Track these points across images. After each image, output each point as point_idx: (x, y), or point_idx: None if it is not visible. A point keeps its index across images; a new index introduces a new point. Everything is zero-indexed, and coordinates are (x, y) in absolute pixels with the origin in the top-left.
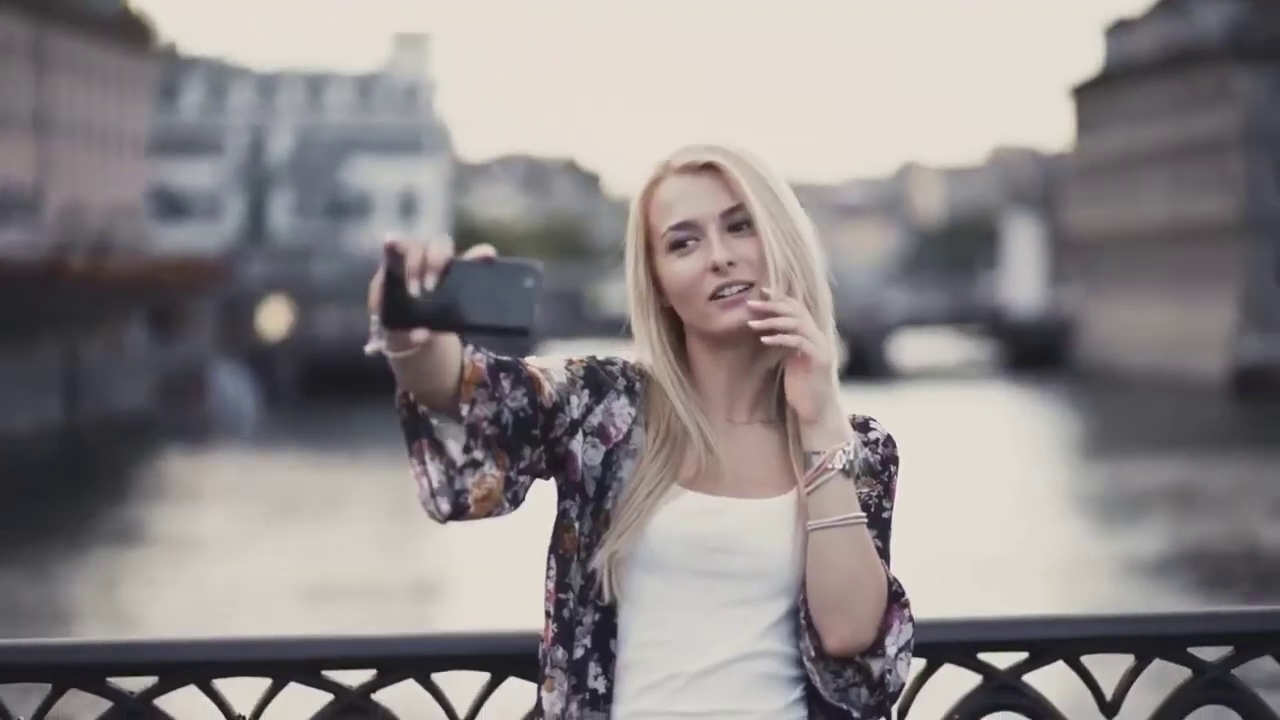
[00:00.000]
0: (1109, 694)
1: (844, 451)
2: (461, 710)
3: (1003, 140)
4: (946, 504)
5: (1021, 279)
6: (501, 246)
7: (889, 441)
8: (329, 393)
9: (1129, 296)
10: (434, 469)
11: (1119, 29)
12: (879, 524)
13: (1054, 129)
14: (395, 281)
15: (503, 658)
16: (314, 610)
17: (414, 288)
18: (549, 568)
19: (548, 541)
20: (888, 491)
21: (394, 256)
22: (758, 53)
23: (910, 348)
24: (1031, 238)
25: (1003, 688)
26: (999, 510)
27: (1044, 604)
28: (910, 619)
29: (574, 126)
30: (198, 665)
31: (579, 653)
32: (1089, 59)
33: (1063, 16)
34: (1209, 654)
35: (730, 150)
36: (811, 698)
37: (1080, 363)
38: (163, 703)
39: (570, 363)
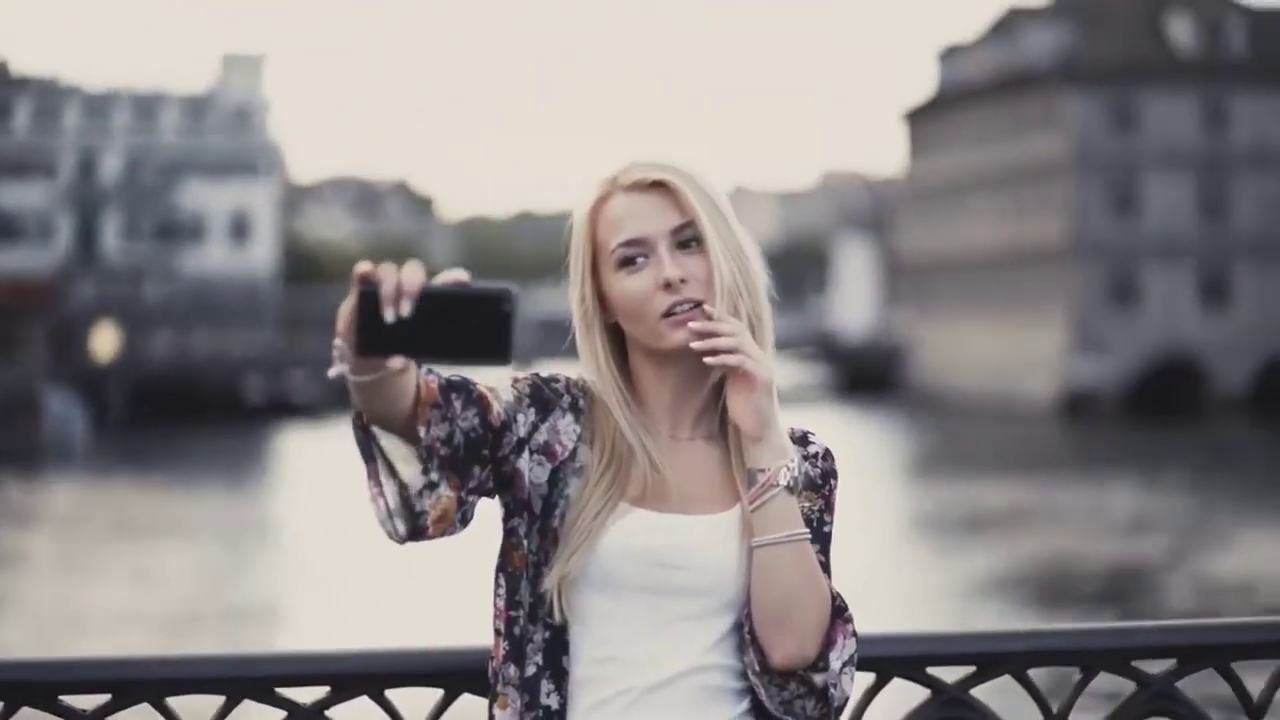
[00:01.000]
0: (1055, 708)
1: (788, 469)
2: None
3: (834, 165)
4: None
5: (854, 303)
6: (332, 269)
7: (828, 455)
8: (159, 416)
9: (961, 320)
10: (390, 490)
11: (952, 54)
12: (820, 538)
13: (886, 154)
14: (368, 308)
15: (456, 674)
16: (153, 634)
17: (389, 314)
18: (497, 585)
19: (495, 560)
20: (828, 505)
21: (367, 283)
22: (588, 78)
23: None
24: (864, 261)
25: (951, 701)
26: (840, 533)
27: (896, 623)
28: (854, 633)
29: (407, 149)
30: (151, 683)
31: (531, 670)
32: (922, 84)
33: (897, 42)
34: (1154, 667)
35: (678, 168)
36: (757, 710)
37: (912, 386)
38: None
39: (515, 381)
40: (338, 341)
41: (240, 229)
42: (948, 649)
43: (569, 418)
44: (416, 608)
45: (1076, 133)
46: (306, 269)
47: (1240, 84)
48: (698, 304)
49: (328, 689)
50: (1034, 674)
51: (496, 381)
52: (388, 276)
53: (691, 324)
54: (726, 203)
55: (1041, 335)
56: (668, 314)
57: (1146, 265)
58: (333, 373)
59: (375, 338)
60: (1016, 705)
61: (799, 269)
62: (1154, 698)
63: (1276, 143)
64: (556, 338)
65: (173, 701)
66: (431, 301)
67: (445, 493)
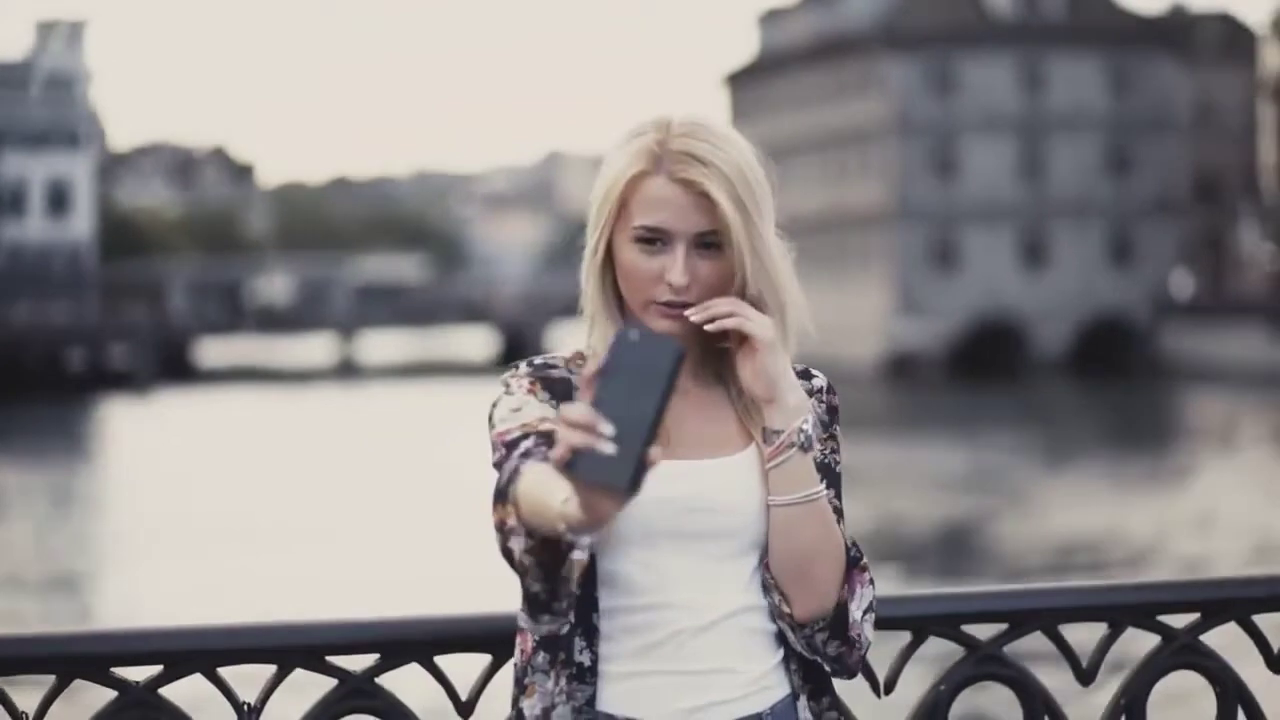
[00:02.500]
0: (1085, 662)
1: (802, 429)
2: (464, 692)
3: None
4: None
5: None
6: (151, 239)
7: (830, 389)
8: None
9: None
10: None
11: (772, 18)
12: (832, 477)
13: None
14: (589, 458)
15: (505, 639)
16: None
17: (608, 446)
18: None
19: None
20: (837, 443)
21: (573, 442)
22: (406, 41)
23: (568, 335)
24: None
25: (986, 658)
26: None
27: None
28: (871, 581)
29: (225, 115)
30: (202, 653)
31: (563, 630)
32: (743, 48)
33: (716, 6)
34: (1178, 621)
35: (726, 165)
36: (789, 655)
37: None
38: (168, 692)
39: (531, 387)
40: (573, 519)
41: (59, 199)
42: (981, 606)
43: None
44: (240, 580)
45: (897, 97)
46: (125, 239)
47: (1057, 47)
48: (686, 305)
49: (377, 656)
50: (1066, 630)
51: (531, 410)
52: (580, 418)
53: (687, 313)
54: (766, 194)
55: (865, 298)
56: (659, 304)
57: (967, 228)
58: (582, 548)
59: (639, 470)
60: (1049, 661)
61: None
62: (1179, 651)
63: (1092, 106)
64: (375, 305)
65: (224, 671)
66: (607, 405)
67: None
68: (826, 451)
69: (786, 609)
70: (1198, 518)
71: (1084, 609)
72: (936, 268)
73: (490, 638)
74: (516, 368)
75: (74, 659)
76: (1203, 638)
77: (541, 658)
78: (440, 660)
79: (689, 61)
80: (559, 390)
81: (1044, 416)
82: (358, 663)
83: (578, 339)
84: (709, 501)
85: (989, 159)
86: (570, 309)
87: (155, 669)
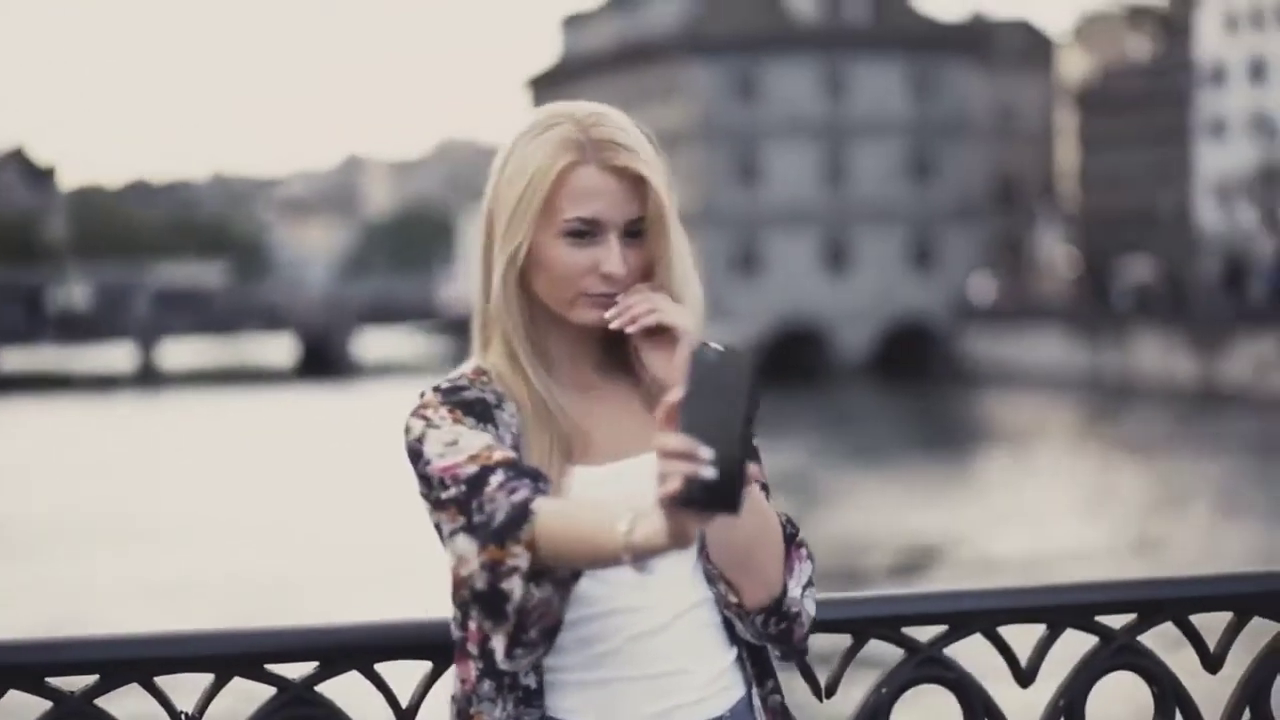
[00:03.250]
0: (1024, 663)
1: None
2: (404, 699)
3: (451, 133)
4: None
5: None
6: None
7: None
8: None
9: None
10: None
11: (574, 23)
12: (754, 456)
13: (508, 122)
14: (693, 484)
15: (445, 645)
16: None
17: (709, 470)
18: (465, 614)
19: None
20: None
21: (682, 472)
22: (203, 39)
23: (370, 343)
24: None
25: (927, 660)
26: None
27: None
28: (809, 556)
29: (23, 115)
30: (139, 662)
31: (509, 672)
32: (546, 52)
33: (517, 9)
34: (1116, 622)
35: (646, 153)
36: (740, 647)
37: None
38: (104, 702)
39: (453, 415)
40: (661, 538)
41: None
42: (922, 608)
43: (502, 410)
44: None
45: (700, 102)
46: None
47: (860, 53)
48: (614, 294)
49: (316, 664)
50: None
51: (478, 437)
52: (681, 447)
53: (605, 314)
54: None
55: None
56: (590, 295)
57: (771, 233)
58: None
59: (738, 489)
60: (990, 664)
61: (421, 240)
62: (1118, 651)
63: (894, 111)
64: (176, 312)
65: (161, 680)
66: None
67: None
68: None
69: (734, 598)
70: (996, 517)
71: (1023, 610)
72: (740, 273)
73: (430, 644)
74: (423, 395)
75: (7, 669)
76: (1141, 638)
77: (488, 686)
78: (380, 668)
79: (491, 65)
80: (479, 411)
81: (846, 420)
82: (297, 670)
83: (390, 346)
84: (635, 502)
85: (792, 164)
86: (375, 315)
87: (90, 679)
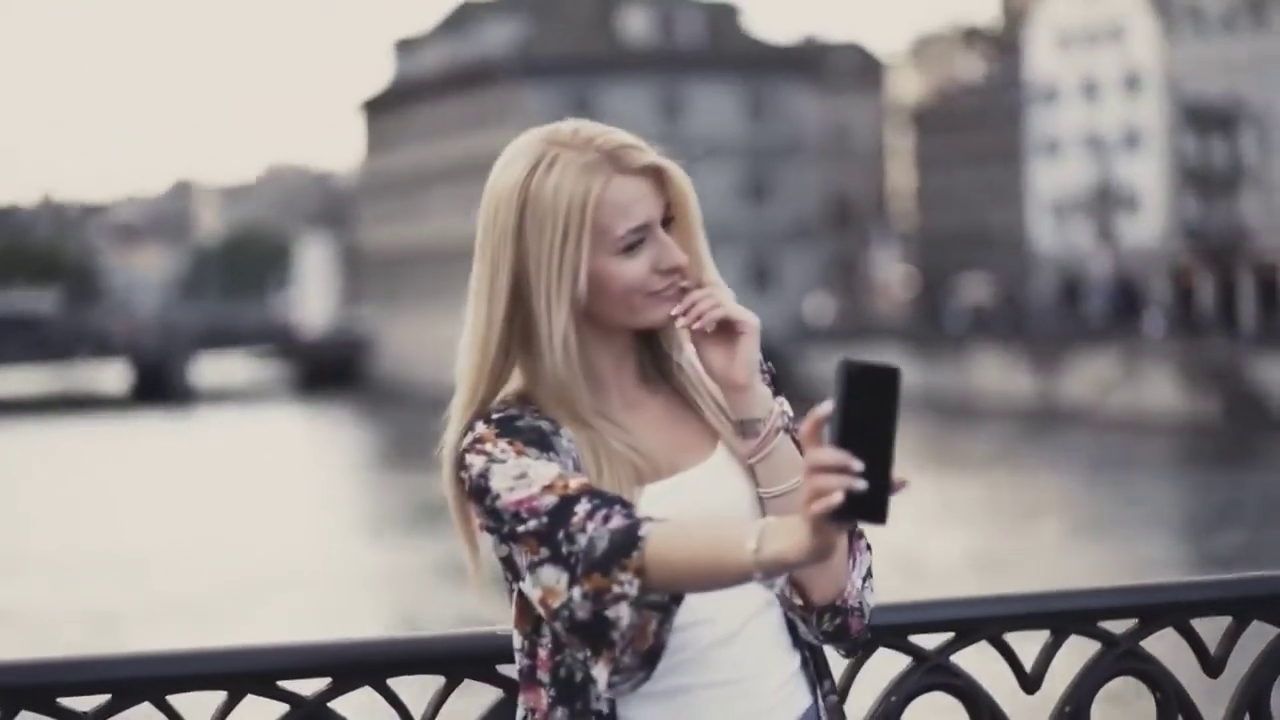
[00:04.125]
0: (1029, 670)
1: (784, 412)
2: (418, 714)
3: (280, 157)
4: (251, 526)
5: (314, 298)
6: None
7: (765, 356)
8: None
9: (425, 312)
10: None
11: (407, 46)
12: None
13: (339, 146)
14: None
15: (458, 661)
16: None
17: (860, 483)
18: (534, 645)
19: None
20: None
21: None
22: (37, 66)
23: (205, 369)
24: (322, 256)
25: (934, 668)
26: (301, 528)
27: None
28: (868, 547)
29: None
30: (151, 681)
31: (579, 677)
32: (378, 76)
33: (350, 32)
34: (1119, 628)
35: (646, 145)
36: (804, 650)
37: (378, 380)
38: None
39: (516, 447)
40: (803, 544)
41: None
42: (928, 616)
43: (560, 436)
44: None
45: (533, 125)
46: None
47: (695, 75)
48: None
49: (329, 680)
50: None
51: (513, 466)
52: (836, 459)
53: (672, 312)
54: None
55: None
56: (656, 293)
57: None
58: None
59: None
60: (997, 672)
61: (254, 264)
62: (1122, 657)
63: (730, 133)
64: (7, 339)
65: (174, 699)
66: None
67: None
68: (793, 426)
69: (799, 600)
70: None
71: (1028, 616)
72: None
73: (444, 659)
74: (473, 428)
75: (19, 690)
76: (1143, 643)
77: (560, 713)
78: (393, 683)
79: (321, 89)
80: (538, 440)
81: None
82: (310, 687)
83: (227, 372)
84: (706, 511)
85: None
86: (212, 340)
87: (103, 698)
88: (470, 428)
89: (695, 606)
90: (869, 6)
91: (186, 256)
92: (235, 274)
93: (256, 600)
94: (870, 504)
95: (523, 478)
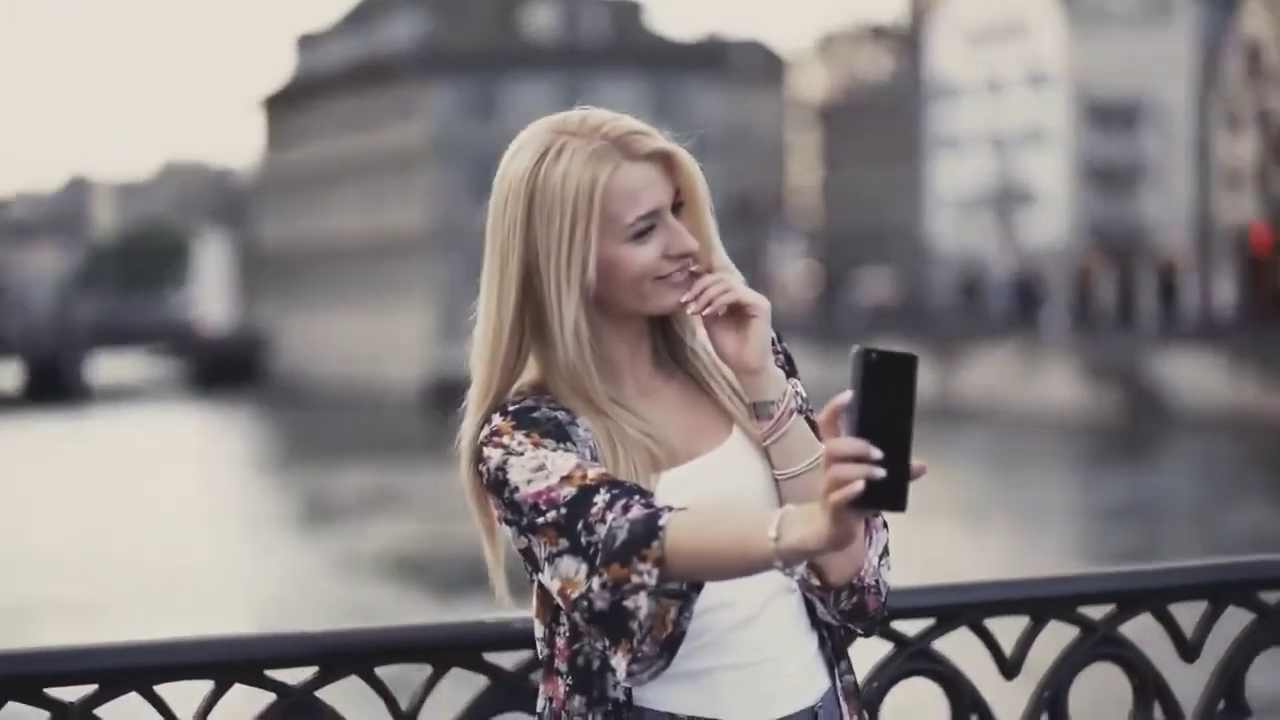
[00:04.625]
0: (1009, 655)
1: (798, 393)
2: (405, 703)
3: (178, 154)
4: (143, 524)
5: (212, 295)
6: None
7: (779, 335)
8: None
9: (325, 310)
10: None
11: (309, 42)
12: (816, 430)
13: (238, 142)
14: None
15: (445, 649)
16: None
17: (879, 471)
18: (553, 633)
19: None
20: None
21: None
22: None
23: (100, 367)
24: (221, 253)
25: (916, 654)
26: (193, 527)
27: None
28: (884, 524)
29: None
30: (138, 670)
31: (596, 665)
32: (279, 71)
33: (250, 27)
34: (1097, 613)
35: (654, 130)
36: (821, 631)
37: (277, 378)
38: (104, 711)
39: (533, 439)
40: (821, 532)
41: None
42: (910, 602)
43: (576, 426)
44: None
45: (438, 121)
46: None
47: (599, 71)
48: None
49: (316, 669)
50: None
51: (531, 458)
52: (856, 449)
53: (683, 298)
54: None
55: (406, 323)
56: (666, 278)
57: None
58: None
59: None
60: (976, 657)
61: (151, 261)
62: (1100, 642)
63: None
64: None
65: (161, 688)
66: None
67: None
68: (806, 405)
69: (817, 581)
70: None
71: (1008, 602)
72: (478, 292)
73: (430, 647)
74: (490, 421)
75: (5, 680)
76: (1121, 628)
77: (578, 702)
78: (380, 671)
79: (219, 84)
80: (555, 431)
81: None
82: (297, 676)
83: (123, 370)
84: (724, 496)
85: None
86: (108, 338)
87: (90, 688)
88: (487, 420)
89: (714, 590)
90: (773, 4)
91: (82, 254)
92: (132, 271)
93: (144, 598)
94: (890, 492)
95: (541, 469)
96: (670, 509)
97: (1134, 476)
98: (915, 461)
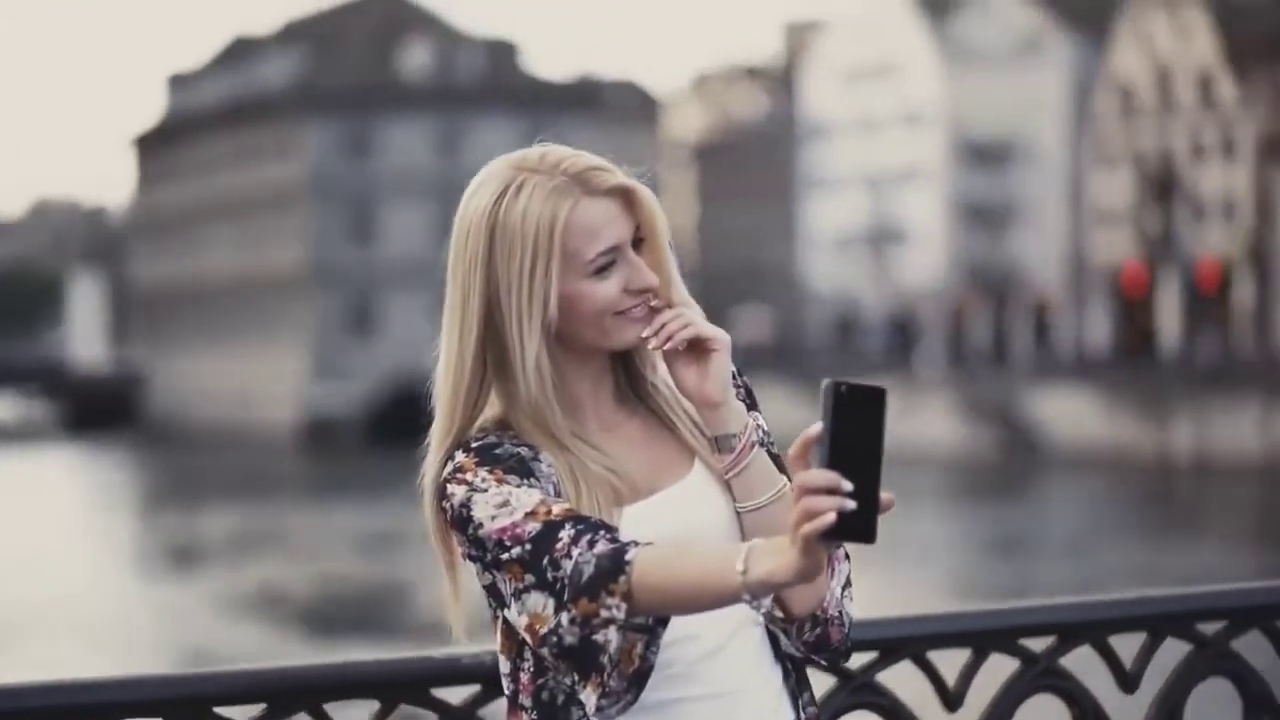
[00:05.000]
0: (951, 687)
1: (759, 426)
2: None
3: (51, 192)
4: (13, 566)
5: (86, 335)
6: None
7: (739, 369)
8: None
9: (200, 350)
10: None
11: (181, 81)
12: (778, 463)
13: (114, 181)
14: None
15: (392, 685)
16: None
17: (849, 503)
18: (516, 669)
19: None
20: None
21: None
22: None
23: None
24: (94, 293)
25: (860, 687)
26: (65, 568)
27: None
28: (846, 556)
29: None
30: (78, 709)
31: (560, 700)
32: (151, 110)
33: (121, 67)
34: (1039, 645)
35: (612, 165)
36: (785, 663)
37: (151, 418)
38: None
39: (496, 475)
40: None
41: None
42: (853, 635)
43: (540, 462)
44: None
45: (312, 160)
46: None
47: (474, 111)
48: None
49: (264, 706)
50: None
51: (495, 494)
52: (827, 483)
53: (643, 334)
54: None
55: (281, 363)
56: (624, 312)
57: (385, 291)
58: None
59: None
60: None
61: (25, 302)
62: (1041, 674)
63: None
64: None
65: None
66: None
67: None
68: (766, 438)
69: (780, 613)
70: None
71: (950, 635)
72: (354, 331)
73: (379, 683)
74: (453, 457)
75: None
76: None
77: None
78: (328, 708)
79: (90, 123)
80: (518, 467)
81: None
82: (245, 713)
83: (3, 410)
84: (687, 530)
85: (407, 222)
86: None
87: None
88: (450, 457)
89: (681, 623)
90: (647, 45)
91: None
92: (3, 312)
93: (9, 641)
94: (860, 524)
95: (505, 505)
96: (636, 544)
97: (1008, 512)
98: (884, 494)
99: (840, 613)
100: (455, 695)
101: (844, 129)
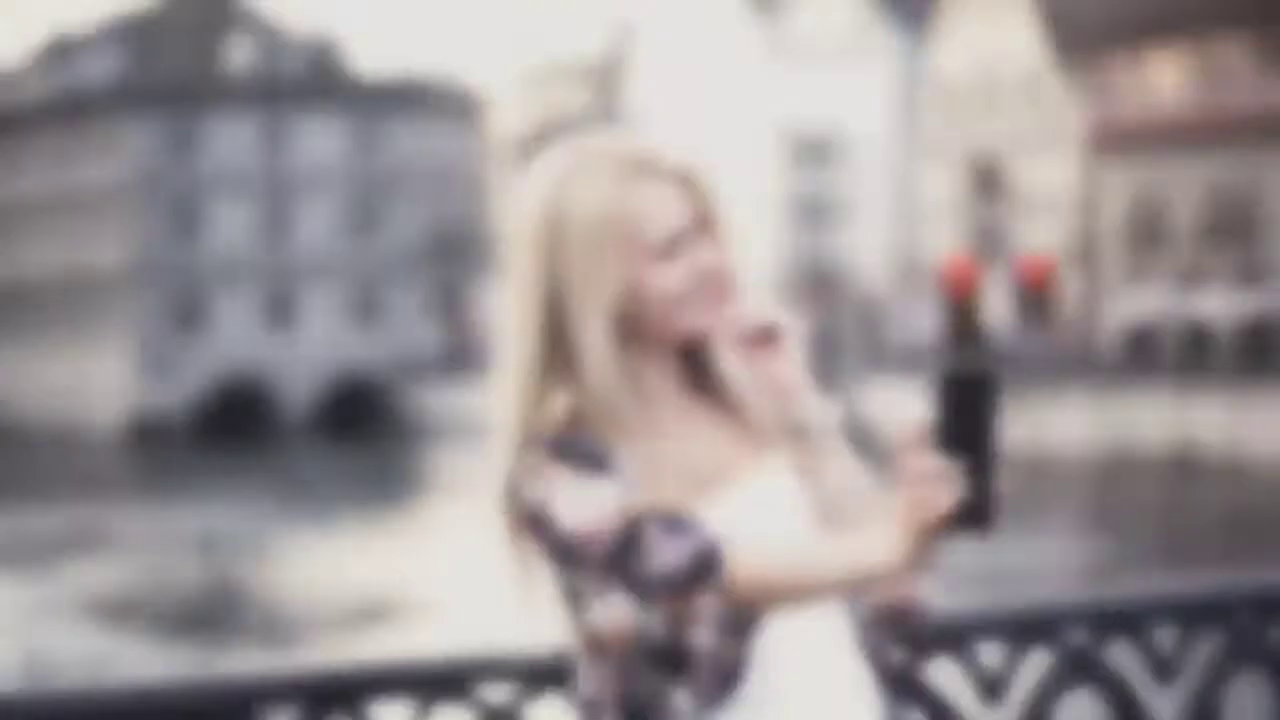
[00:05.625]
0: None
1: (831, 413)
2: None
3: None
4: None
5: None
6: None
7: None
8: None
9: (20, 349)
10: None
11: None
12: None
13: None
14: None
15: (433, 682)
16: None
17: (965, 493)
18: (598, 668)
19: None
20: None
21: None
22: None
23: None
24: None
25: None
26: None
27: None
28: None
29: None
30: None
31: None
32: None
33: None
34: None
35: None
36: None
37: None
38: None
39: (572, 472)
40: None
41: None
42: None
43: (614, 456)
44: None
45: (136, 157)
46: None
47: (300, 108)
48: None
49: (302, 704)
50: None
51: (574, 489)
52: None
53: (713, 322)
54: None
55: (106, 362)
56: (690, 300)
57: (211, 288)
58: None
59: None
60: None
61: None
62: (1080, 666)
63: (336, 163)
64: None
65: None
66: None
67: None
68: (842, 428)
69: (867, 602)
70: (438, 567)
71: (990, 625)
72: (180, 329)
73: (419, 681)
74: (526, 455)
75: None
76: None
77: None
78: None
79: None
80: (595, 463)
81: (290, 477)
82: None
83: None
84: (765, 520)
85: (232, 219)
86: None
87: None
88: (523, 455)
89: (771, 617)
90: (470, 43)
91: None
92: None
93: None
94: (976, 514)
95: (583, 503)
96: (724, 537)
97: None
98: (1001, 483)
99: (920, 600)
100: (497, 694)
101: (668, 125)
